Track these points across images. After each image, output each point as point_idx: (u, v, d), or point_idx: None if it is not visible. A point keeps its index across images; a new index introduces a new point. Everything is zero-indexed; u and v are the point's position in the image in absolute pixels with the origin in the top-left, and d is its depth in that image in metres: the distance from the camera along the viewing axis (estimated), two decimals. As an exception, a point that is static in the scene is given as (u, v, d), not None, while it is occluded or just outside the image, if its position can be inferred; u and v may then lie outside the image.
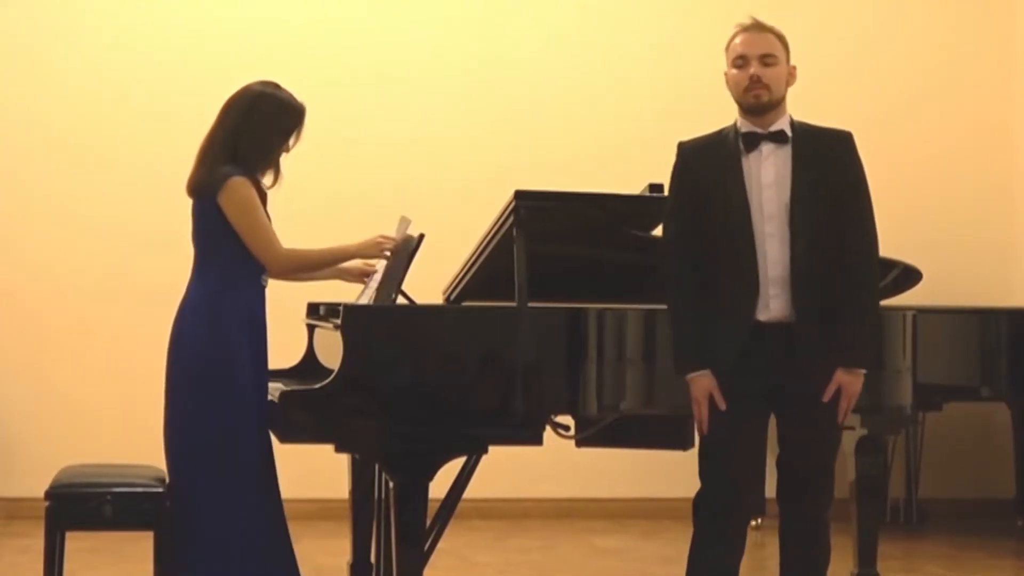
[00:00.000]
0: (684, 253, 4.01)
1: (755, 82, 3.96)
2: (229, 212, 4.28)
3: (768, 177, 3.96)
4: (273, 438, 4.30)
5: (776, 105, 4.00)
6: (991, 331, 5.88)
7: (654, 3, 7.69)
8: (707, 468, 4.07)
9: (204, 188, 4.33)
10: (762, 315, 3.94)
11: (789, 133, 4.00)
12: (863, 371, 4.00)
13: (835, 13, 7.55)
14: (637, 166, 6.96)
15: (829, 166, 3.98)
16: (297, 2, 7.49)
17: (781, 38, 4.04)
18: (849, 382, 3.97)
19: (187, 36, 7.38)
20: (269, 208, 4.39)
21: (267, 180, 4.41)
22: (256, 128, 4.38)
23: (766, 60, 3.98)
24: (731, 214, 3.94)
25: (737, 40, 4.04)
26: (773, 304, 3.94)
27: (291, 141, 4.44)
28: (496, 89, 7.54)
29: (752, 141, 3.98)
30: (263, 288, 4.43)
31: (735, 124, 4.05)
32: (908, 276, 5.86)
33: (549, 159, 7.41)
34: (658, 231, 4.67)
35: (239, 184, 4.28)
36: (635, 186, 4.74)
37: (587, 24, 7.65)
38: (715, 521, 4.06)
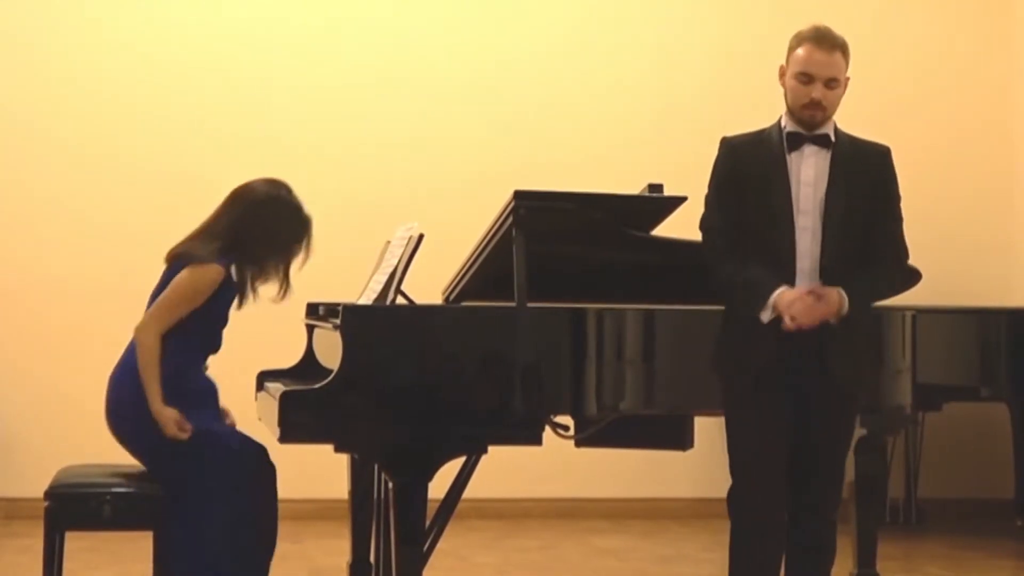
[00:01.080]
0: (725, 236, 4.06)
1: (815, 104, 4.01)
2: (179, 278, 4.32)
3: (807, 175, 4.03)
4: (270, 439, 4.30)
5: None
6: (991, 331, 5.88)
7: (654, 4, 7.70)
8: (738, 463, 4.09)
9: (185, 258, 4.38)
10: None
11: (833, 139, 4.07)
12: (845, 309, 3.96)
13: (835, 13, 7.53)
14: (637, 166, 7.00)
15: (866, 175, 4.06)
16: (299, 3, 7.49)
17: (846, 53, 4.05)
18: (833, 303, 3.93)
19: (189, 37, 7.38)
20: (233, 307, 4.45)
21: (272, 289, 4.45)
22: (267, 230, 4.42)
23: (830, 84, 4.01)
24: (772, 207, 4.00)
25: (804, 52, 4.02)
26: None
27: (301, 252, 4.48)
28: (496, 90, 7.55)
29: (796, 141, 4.06)
30: (205, 370, 4.51)
31: (779, 122, 4.11)
32: (907, 276, 5.86)
33: (549, 159, 7.41)
34: (656, 231, 4.68)
35: (211, 271, 4.33)
36: (635, 186, 4.73)
37: (587, 25, 7.65)
38: (752, 515, 4.07)
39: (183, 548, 4.27)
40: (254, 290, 4.49)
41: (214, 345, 4.49)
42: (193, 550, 4.27)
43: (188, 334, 4.37)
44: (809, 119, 4.03)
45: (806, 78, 4.01)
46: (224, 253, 4.37)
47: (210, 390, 4.49)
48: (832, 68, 4.01)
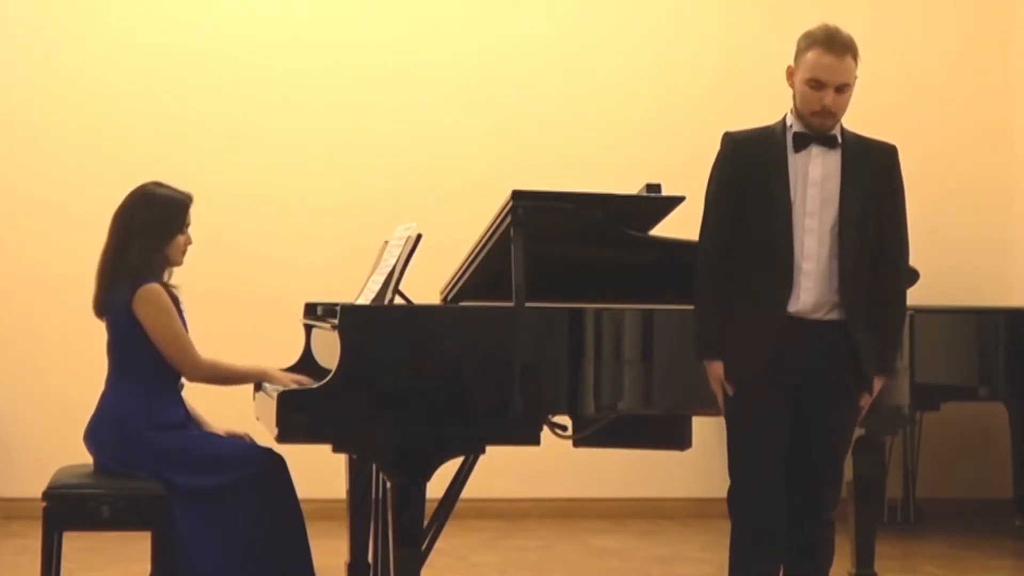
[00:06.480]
0: (721, 240, 4.05)
1: (826, 113, 3.97)
2: (146, 320, 4.36)
3: (815, 175, 4.00)
4: (270, 440, 4.30)
5: None
6: (989, 331, 5.88)
7: (654, 3, 7.69)
8: (738, 463, 4.08)
9: (115, 304, 4.40)
10: (792, 307, 3.98)
11: (840, 139, 4.04)
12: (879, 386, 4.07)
13: (834, 13, 7.53)
14: (636, 166, 7.01)
15: (874, 175, 4.04)
16: (298, 2, 7.49)
17: (856, 55, 3.99)
18: (878, 388, 4.06)
19: (188, 36, 7.38)
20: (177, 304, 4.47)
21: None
22: (146, 235, 4.44)
23: (841, 89, 3.96)
24: (774, 205, 3.98)
25: (813, 56, 3.96)
26: (804, 296, 3.98)
27: (184, 234, 4.50)
28: (496, 89, 7.54)
29: (802, 141, 4.02)
30: (180, 392, 4.54)
31: (784, 120, 4.07)
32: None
33: (549, 159, 7.41)
34: (655, 231, 4.68)
35: (152, 291, 4.36)
36: (634, 186, 4.73)
37: (587, 24, 7.65)
38: (752, 516, 4.07)
39: (196, 552, 4.29)
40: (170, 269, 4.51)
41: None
42: (206, 553, 4.28)
43: (158, 366, 4.41)
44: (819, 126, 3.99)
45: (817, 84, 3.96)
46: (134, 274, 4.39)
47: (187, 423, 4.52)
48: (843, 74, 3.95)
